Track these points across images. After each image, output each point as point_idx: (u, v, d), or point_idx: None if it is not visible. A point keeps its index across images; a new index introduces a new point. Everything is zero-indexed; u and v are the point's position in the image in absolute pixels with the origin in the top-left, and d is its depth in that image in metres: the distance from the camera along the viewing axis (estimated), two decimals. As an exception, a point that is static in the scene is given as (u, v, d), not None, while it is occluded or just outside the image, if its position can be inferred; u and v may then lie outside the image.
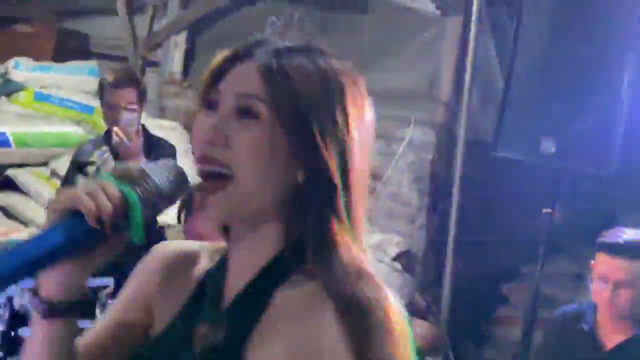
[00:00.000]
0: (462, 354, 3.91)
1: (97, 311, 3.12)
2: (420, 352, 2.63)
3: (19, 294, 2.75)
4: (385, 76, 4.38)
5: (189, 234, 1.92)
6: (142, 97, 3.32)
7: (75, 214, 0.92)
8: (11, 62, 4.77)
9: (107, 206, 0.92)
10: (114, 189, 0.93)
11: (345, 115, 0.98)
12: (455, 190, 3.96)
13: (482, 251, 4.15)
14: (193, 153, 0.99)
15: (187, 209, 2.07)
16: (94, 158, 3.42)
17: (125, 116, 3.16)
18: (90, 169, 3.42)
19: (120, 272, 3.26)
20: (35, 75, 4.75)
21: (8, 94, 4.77)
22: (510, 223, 3.92)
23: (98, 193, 0.92)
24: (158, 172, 0.98)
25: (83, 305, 0.98)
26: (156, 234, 3.56)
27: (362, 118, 1.01)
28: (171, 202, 0.99)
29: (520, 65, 3.24)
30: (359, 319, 0.91)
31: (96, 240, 0.94)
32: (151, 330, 1.07)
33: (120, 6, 5.12)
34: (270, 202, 0.98)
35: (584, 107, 3.08)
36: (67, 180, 3.52)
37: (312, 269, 0.96)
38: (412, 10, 4.46)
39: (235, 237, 1.02)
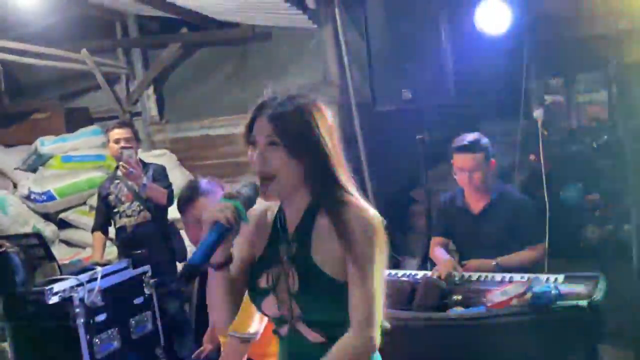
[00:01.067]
0: (394, 241, 3.98)
1: (146, 290, 3.18)
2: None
3: (87, 296, 2.79)
4: (295, 77, 4.45)
5: (188, 218, 2.01)
6: (135, 135, 3.42)
7: (217, 222, 1.26)
8: (37, 142, 4.69)
9: (229, 214, 1.26)
10: (230, 204, 1.26)
11: (318, 128, 1.30)
12: (360, 139, 4.06)
13: (389, 174, 4.22)
14: (255, 170, 1.31)
15: (184, 207, 2.15)
16: (111, 189, 3.48)
17: (125, 153, 3.25)
18: (111, 197, 3.47)
19: (153, 262, 3.33)
20: (57, 146, 4.69)
21: (42, 164, 4.72)
22: (402, 151, 3.97)
23: (224, 209, 1.26)
24: (245, 188, 1.31)
25: (230, 261, 1.34)
26: (173, 227, 3.62)
27: (326, 125, 1.33)
28: (255, 199, 1.32)
29: (375, 43, 3.17)
30: (354, 228, 1.27)
31: (230, 231, 1.27)
32: (256, 256, 1.41)
33: (101, 82, 5.06)
34: (297, 182, 1.32)
35: (424, 61, 3.05)
36: (99, 210, 3.57)
37: (327, 205, 1.31)
38: (298, 29, 4.49)
39: (285, 201, 1.37)
